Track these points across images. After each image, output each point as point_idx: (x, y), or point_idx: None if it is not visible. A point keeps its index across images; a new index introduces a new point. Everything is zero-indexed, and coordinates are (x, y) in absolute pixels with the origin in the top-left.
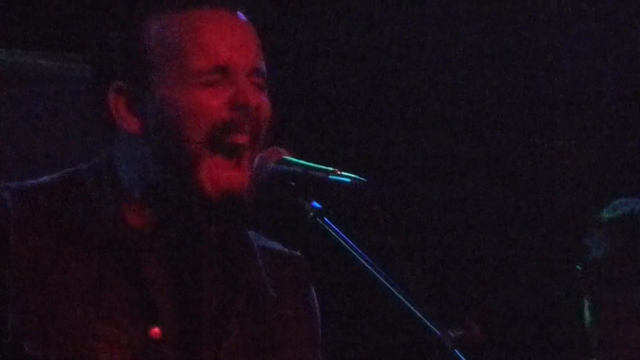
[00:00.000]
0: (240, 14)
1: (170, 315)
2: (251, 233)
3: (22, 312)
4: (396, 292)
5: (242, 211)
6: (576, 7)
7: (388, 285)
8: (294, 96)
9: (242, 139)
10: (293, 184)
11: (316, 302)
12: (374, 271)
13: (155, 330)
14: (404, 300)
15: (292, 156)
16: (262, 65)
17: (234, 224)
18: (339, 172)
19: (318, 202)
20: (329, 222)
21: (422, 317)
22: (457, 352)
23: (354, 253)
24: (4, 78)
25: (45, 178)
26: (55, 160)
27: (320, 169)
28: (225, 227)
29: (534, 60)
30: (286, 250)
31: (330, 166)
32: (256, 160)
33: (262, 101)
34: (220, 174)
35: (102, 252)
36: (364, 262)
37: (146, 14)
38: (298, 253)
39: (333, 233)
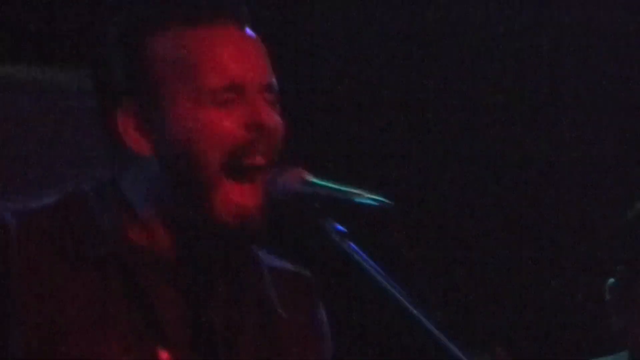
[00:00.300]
0: (248, 30)
1: (178, 337)
2: (261, 252)
3: (26, 337)
4: (422, 318)
5: (256, 235)
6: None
7: (414, 310)
8: (306, 112)
9: (258, 160)
10: (317, 205)
11: (326, 322)
12: (398, 295)
13: (164, 354)
14: (430, 326)
15: (315, 178)
16: (274, 81)
17: (245, 246)
18: (364, 195)
19: (342, 225)
20: (353, 246)
21: (449, 343)
22: None
23: (378, 276)
24: (16, 92)
25: (49, 200)
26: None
27: (345, 191)
28: (235, 248)
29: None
30: (295, 269)
31: (353, 188)
32: (279, 181)
33: (276, 120)
34: (234, 199)
35: (105, 270)
36: (388, 286)
37: (153, 30)
38: (307, 272)
39: (357, 256)
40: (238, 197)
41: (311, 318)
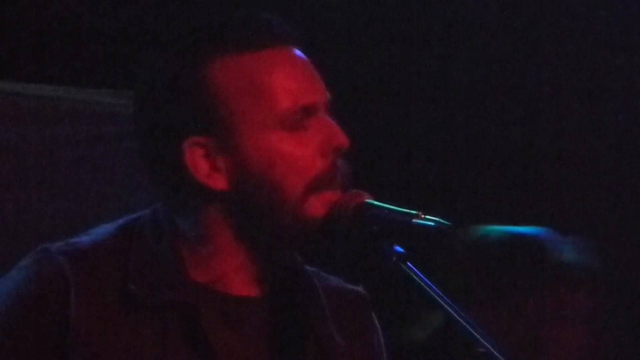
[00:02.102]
0: (298, 50)
1: None
2: (312, 270)
3: None
4: (482, 339)
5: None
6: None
7: (473, 332)
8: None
9: (336, 182)
10: (375, 227)
11: (382, 341)
12: (457, 317)
13: None
14: (490, 347)
15: (374, 199)
16: (329, 95)
17: (333, 245)
18: (422, 216)
19: (401, 247)
20: (412, 267)
21: None
22: None
23: (438, 298)
24: (62, 116)
25: (100, 232)
26: (114, 204)
27: (404, 213)
28: (300, 273)
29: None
30: (348, 286)
31: (411, 209)
32: (338, 203)
33: (347, 141)
34: (325, 200)
35: (165, 315)
36: (447, 308)
37: (210, 60)
38: (360, 289)
39: (416, 278)
40: (325, 201)
41: (368, 340)
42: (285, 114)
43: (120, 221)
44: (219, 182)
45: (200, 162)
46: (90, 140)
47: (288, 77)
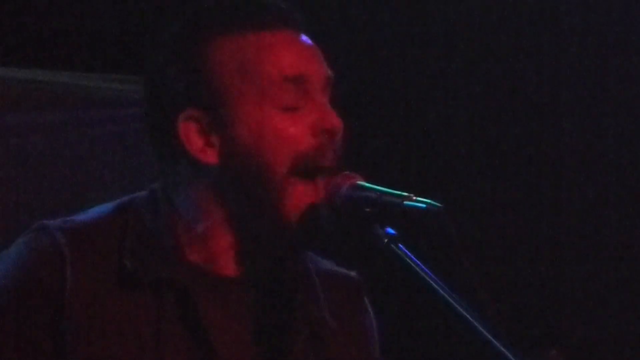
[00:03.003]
0: (304, 35)
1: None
2: (305, 254)
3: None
4: (474, 321)
5: (323, 231)
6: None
7: (464, 313)
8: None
9: (325, 164)
10: (367, 209)
11: (374, 325)
12: (449, 299)
13: None
14: (482, 328)
15: (365, 181)
16: (332, 74)
17: (307, 248)
18: (414, 198)
19: (392, 228)
20: (404, 249)
21: (501, 347)
22: None
23: (429, 280)
24: (64, 101)
25: (98, 211)
26: (116, 185)
27: (395, 195)
28: (290, 257)
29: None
30: (341, 270)
31: (402, 191)
32: (329, 185)
33: (340, 122)
34: (305, 199)
35: (160, 292)
36: (439, 289)
37: (212, 38)
38: (355, 274)
39: (408, 260)
40: (308, 196)
41: (360, 323)
42: (274, 88)
43: (118, 200)
44: (210, 157)
45: (193, 137)
46: (95, 124)
47: (280, 53)
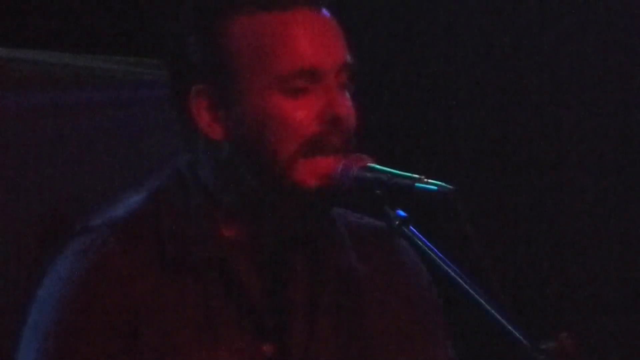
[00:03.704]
0: (324, 11)
1: (276, 327)
2: (336, 211)
3: (139, 352)
4: (484, 302)
5: (335, 197)
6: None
7: (475, 294)
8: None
9: (331, 147)
10: (378, 191)
11: (417, 269)
12: (460, 280)
13: (269, 347)
14: (492, 311)
15: (376, 163)
16: (350, 59)
17: (325, 211)
18: (425, 180)
19: (403, 210)
20: (415, 231)
21: (511, 328)
22: None
23: (440, 262)
24: (77, 82)
25: (131, 202)
26: (132, 166)
27: (406, 177)
28: (315, 217)
29: None
30: (370, 221)
31: (414, 173)
32: (340, 167)
33: (350, 110)
34: (313, 170)
35: (205, 272)
36: (449, 271)
37: (228, 15)
38: (382, 223)
39: (419, 241)
40: (316, 168)
41: (395, 271)
42: (286, 76)
43: (148, 187)
44: (217, 132)
45: (202, 111)
46: (101, 106)
47: (298, 39)
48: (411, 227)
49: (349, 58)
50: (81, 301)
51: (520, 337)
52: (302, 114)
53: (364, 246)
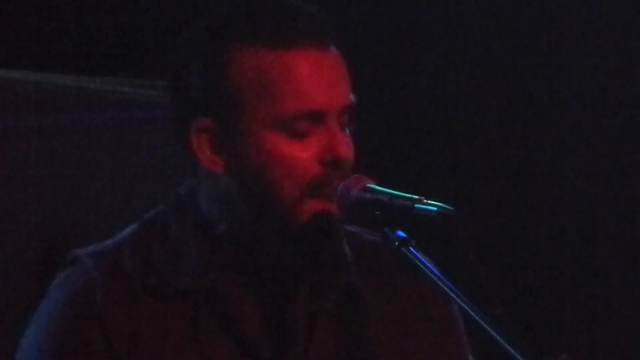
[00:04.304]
0: (330, 48)
1: (268, 349)
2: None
3: None
4: (484, 323)
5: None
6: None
7: (476, 315)
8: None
9: (332, 189)
10: (378, 212)
11: (422, 283)
12: (460, 300)
13: None
14: (493, 331)
15: (376, 184)
16: (353, 100)
17: (329, 240)
18: (425, 201)
19: (403, 232)
20: (415, 252)
21: (512, 350)
22: None
23: (440, 282)
24: (76, 104)
25: (126, 231)
26: (121, 188)
27: (406, 197)
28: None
29: None
30: (373, 238)
31: (415, 194)
32: (339, 188)
33: (351, 151)
34: (316, 208)
35: (193, 300)
36: (450, 292)
37: (233, 47)
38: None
39: (419, 263)
40: (319, 207)
41: (399, 287)
42: (291, 118)
43: (145, 217)
44: (217, 165)
45: (203, 144)
46: (102, 127)
47: (304, 81)
48: (411, 248)
49: (351, 98)
50: (60, 334)
51: (521, 358)
52: (304, 155)
53: (368, 263)
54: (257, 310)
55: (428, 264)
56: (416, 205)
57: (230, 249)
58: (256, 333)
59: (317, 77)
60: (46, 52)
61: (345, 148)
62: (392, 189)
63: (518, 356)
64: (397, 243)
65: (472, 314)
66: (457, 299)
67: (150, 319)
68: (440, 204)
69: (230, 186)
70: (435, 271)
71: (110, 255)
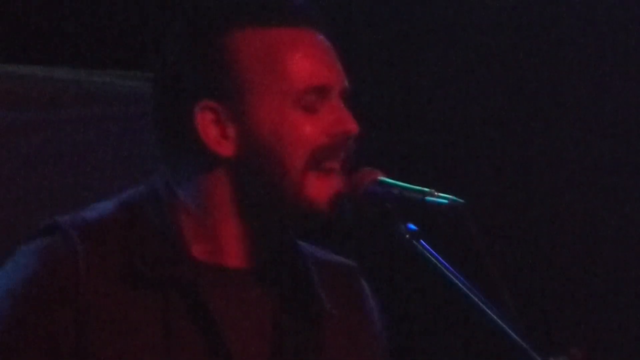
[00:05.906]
0: (323, 34)
1: (247, 354)
2: (301, 244)
3: None
4: (494, 316)
5: (343, 223)
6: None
7: (486, 309)
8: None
9: (335, 164)
10: (389, 205)
11: (375, 306)
12: (471, 294)
13: None
14: (503, 325)
15: (387, 177)
16: (348, 85)
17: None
18: (435, 193)
19: (414, 224)
20: (425, 245)
21: (522, 343)
22: None
23: (451, 276)
24: (77, 98)
25: (102, 207)
26: (118, 182)
27: (417, 190)
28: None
29: None
30: (337, 258)
31: (425, 187)
32: (352, 181)
33: (357, 127)
34: (326, 186)
35: (167, 290)
36: (461, 285)
37: (230, 28)
38: (350, 261)
39: (429, 255)
40: (327, 187)
41: (361, 308)
42: (298, 93)
43: (118, 197)
44: (226, 149)
45: (209, 127)
46: (97, 122)
47: (306, 57)
48: (422, 241)
49: (347, 83)
50: (26, 297)
51: (531, 352)
52: (314, 127)
53: (332, 285)
54: (235, 312)
55: (438, 257)
56: (427, 197)
57: (209, 243)
58: (230, 335)
59: (320, 53)
60: (47, 46)
61: (351, 122)
62: (402, 182)
63: (528, 349)
64: (408, 236)
65: (483, 307)
66: (468, 292)
67: (123, 304)
68: (451, 196)
69: (238, 168)
70: (446, 264)
71: (95, 231)
